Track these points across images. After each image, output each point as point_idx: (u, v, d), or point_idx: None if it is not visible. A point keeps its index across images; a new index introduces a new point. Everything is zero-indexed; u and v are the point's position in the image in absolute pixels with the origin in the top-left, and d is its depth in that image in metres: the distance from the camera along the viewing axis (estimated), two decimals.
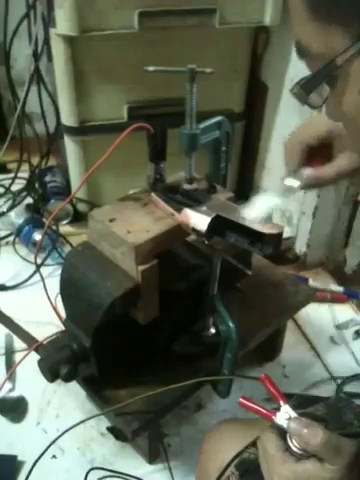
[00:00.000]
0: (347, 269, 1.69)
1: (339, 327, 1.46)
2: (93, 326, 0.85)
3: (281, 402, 0.64)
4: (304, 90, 0.50)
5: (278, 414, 0.62)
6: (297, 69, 1.32)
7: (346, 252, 1.68)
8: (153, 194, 0.92)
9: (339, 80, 0.47)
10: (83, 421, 0.98)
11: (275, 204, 0.78)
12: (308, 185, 0.77)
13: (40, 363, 0.91)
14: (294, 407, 0.63)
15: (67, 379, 0.89)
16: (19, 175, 1.86)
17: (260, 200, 0.80)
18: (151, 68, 0.82)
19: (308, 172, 0.76)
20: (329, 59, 0.45)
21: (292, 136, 0.79)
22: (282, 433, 0.61)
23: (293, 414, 0.62)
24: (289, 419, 0.61)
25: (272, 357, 1.36)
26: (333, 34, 0.44)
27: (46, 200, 1.75)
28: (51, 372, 0.89)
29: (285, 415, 0.62)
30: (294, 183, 0.77)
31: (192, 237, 0.94)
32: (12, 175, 1.86)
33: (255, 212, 0.79)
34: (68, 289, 0.91)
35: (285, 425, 0.61)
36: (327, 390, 1.27)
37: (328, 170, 0.76)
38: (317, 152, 0.77)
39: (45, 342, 1.02)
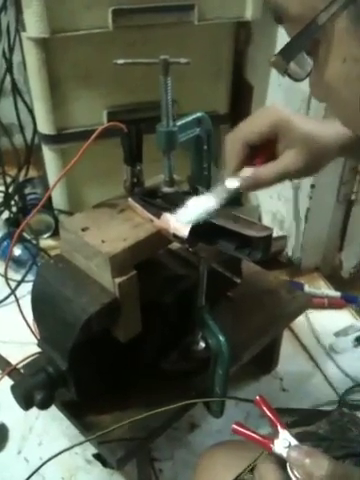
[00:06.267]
0: (344, 273, 1.63)
1: (338, 334, 1.40)
2: (68, 347, 0.78)
3: (279, 427, 0.56)
4: (283, 57, 0.43)
5: (276, 441, 0.55)
6: None
7: (342, 255, 1.63)
8: (130, 199, 0.84)
9: (321, 47, 0.41)
10: (66, 449, 0.91)
11: (211, 206, 0.71)
12: (247, 186, 0.71)
13: (13, 389, 0.83)
14: (294, 423, 0.56)
15: (42, 406, 0.81)
16: None
17: (194, 202, 0.74)
18: (121, 61, 0.76)
19: (247, 172, 0.71)
20: (309, 20, 0.39)
21: (234, 132, 0.72)
22: (282, 462, 0.54)
23: (293, 441, 0.55)
24: (289, 447, 0.54)
25: (268, 369, 1.29)
26: None
27: (26, 213, 1.67)
28: (25, 399, 0.81)
29: (284, 442, 0.55)
30: (233, 184, 0.71)
31: (176, 245, 0.87)
32: None
33: (187, 215, 0.72)
34: (41, 307, 0.83)
35: (284, 454, 0.53)
36: (328, 403, 1.20)
37: (269, 170, 0.69)
38: (261, 149, 0.71)
39: (20, 365, 0.93)
